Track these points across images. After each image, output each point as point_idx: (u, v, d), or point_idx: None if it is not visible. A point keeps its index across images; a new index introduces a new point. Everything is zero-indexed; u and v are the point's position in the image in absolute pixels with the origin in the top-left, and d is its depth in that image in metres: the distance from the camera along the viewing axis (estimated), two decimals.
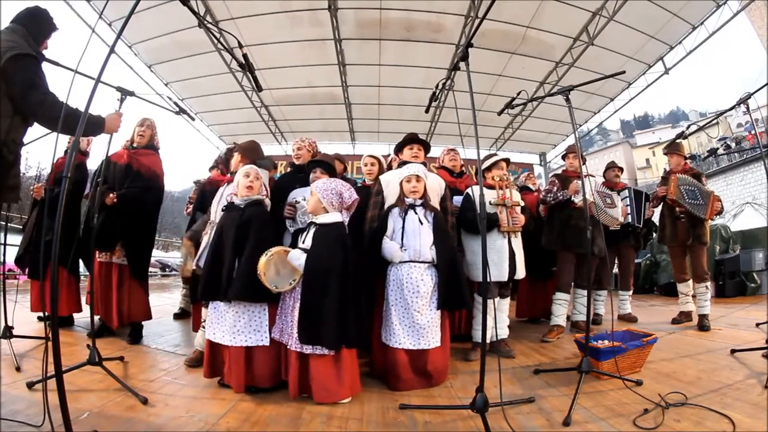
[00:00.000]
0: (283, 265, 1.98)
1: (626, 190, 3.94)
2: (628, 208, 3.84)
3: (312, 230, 2.02)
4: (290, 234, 2.58)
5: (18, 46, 1.63)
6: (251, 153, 2.63)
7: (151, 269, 3.26)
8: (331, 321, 1.86)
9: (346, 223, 2.10)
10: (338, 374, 1.90)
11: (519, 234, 2.73)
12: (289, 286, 1.96)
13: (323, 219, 2.03)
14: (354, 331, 1.93)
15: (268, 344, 2.00)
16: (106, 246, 2.90)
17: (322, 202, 2.04)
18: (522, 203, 2.73)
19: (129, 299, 2.94)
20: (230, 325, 1.98)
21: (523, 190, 4.20)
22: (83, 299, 3.30)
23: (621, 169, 4.23)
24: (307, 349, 1.88)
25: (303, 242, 2.03)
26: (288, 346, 1.95)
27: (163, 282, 9.77)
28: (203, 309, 2.32)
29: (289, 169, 3.38)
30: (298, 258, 1.95)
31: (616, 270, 4.40)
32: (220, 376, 2.07)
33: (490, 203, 2.62)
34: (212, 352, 2.05)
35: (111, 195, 2.85)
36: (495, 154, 2.90)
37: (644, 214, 4.03)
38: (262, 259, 1.90)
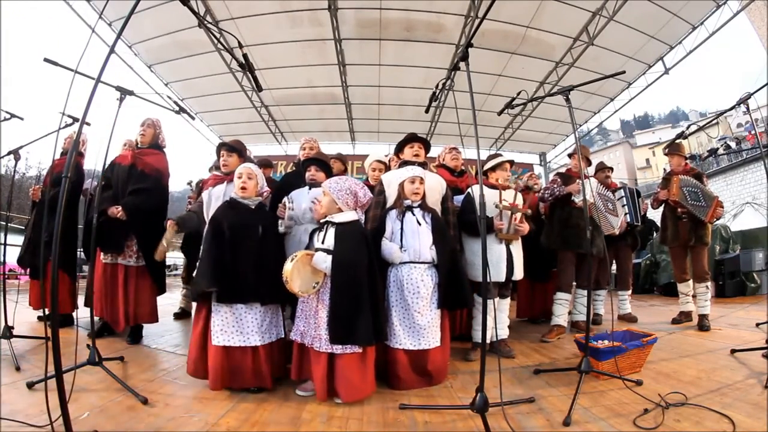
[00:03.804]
0: (305, 269, 1.93)
1: (621, 190, 3.94)
2: (627, 215, 3.82)
3: (331, 230, 2.00)
4: (290, 235, 2.58)
5: None
6: (243, 151, 2.65)
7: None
8: (364, 318, 1.88)
9: (362, 221, 2.12)
10: (364, 371, 1.93)
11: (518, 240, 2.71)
12: (313, 289, 1.93)
13: (341, 218, 2.02)
14: (381, 325, 1.99)
15: (283, 336, 2.12)
16: (114, 247, 2.88)
17: (337, 202, 2.03)
18: (529, 211, 2.68)
19: (135, 300, 2.92)
20: (257, 325, 2.00)
21: (526, 190, 4.19)
22: (80, 299, 3.28)
23: (611, 169, 4.23)
24: (338, 349, 1.88)
25: (322, 242, 2.00)
26: (317, 349, 1.90)
27: None
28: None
29: (293, 168, 3.38)
30: (324, 260, 1.92)
31: (614, 270, 4.40)
32: (234, 384, 1.99)
33: (496, 206, 2.55)
34: (226, 359, 1.96)
35: (114, 209, 2.83)
36: (499, 155, 2.88)
37: (640, 211, 4.06)
38: (288, 265, 1.86)
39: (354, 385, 1.88)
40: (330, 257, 1.92)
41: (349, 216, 2.04)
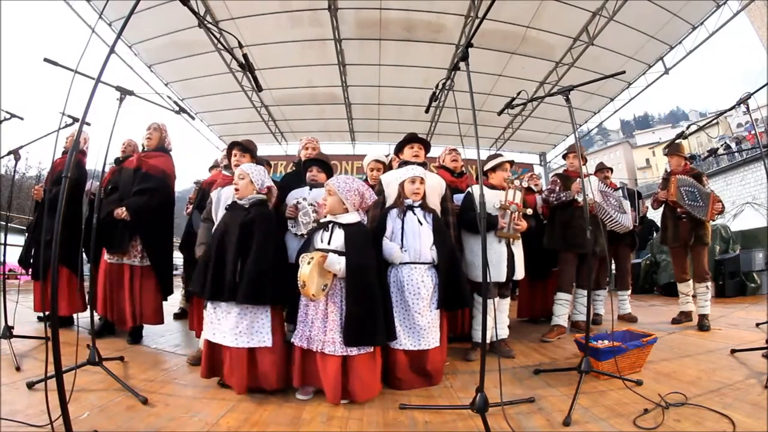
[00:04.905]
0: (318, 271, 1.89)
1: (620, 190, 3.95)
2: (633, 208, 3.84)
3: (338, 231, 1.98)
4: (292, 235, 2.58)
5: None
6: (256, 151, 2.66)
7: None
8: (379, 318, 1.91)
9: (365, 222, 2.12)
10: (374, 370, 1.96)
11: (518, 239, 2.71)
12: (322, 292, 1.90)
13: (348, 219, 2.01)
14: (391, 323, 2.03)
15: (270, 345, 1.97)
16: (119, 247, 2.89)
17: (345, 203, 2.02)
18: (530, 211, 2.69)
19: (140, 301, 2.94)
20: (232, 326, 1.95)
21: (527, 190, 4.18)
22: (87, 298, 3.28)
23: (611, 170, 4.24)
24: (353, 350, 1.87)
25: (327, 243, 1.97)
26: (328, 353, 1.87)
27: None
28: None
29: (292, 168, 3.38)
30: (338, 262, 1.89)
31: (613, 270, 4.40)
32: (219, 377, 2.05)
33: (495, 207, 2.56)
34: (211, 352, 2.02)
35: (119, 211, 2.86)
36: (500, 155, 2.88)
37: (639, 212, 4.05)
38: (306, 269, 1.79)
39: (367, 384, 1.90)
40: (343, 259, 1.90)
41: (354, 217, 2.03)
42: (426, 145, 2.63)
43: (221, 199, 2.39)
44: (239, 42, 2.18)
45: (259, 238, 2.00)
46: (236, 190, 2.14)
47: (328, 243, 1.97)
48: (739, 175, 17.70)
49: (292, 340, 2.00)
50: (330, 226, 2.02)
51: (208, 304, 2.06)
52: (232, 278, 1.93)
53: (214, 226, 2.26)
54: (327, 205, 2.06)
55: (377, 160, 3.23)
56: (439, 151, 3.63)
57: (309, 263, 1.81)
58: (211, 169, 4.37)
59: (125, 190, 2.97)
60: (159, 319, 3.06)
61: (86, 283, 3.40)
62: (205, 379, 2.07)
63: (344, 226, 1.99)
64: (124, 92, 2.16)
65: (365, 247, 1.98)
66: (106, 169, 2.84)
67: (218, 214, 2.43)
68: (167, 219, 3.15)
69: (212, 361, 2.03)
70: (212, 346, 2.01)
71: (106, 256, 2.93)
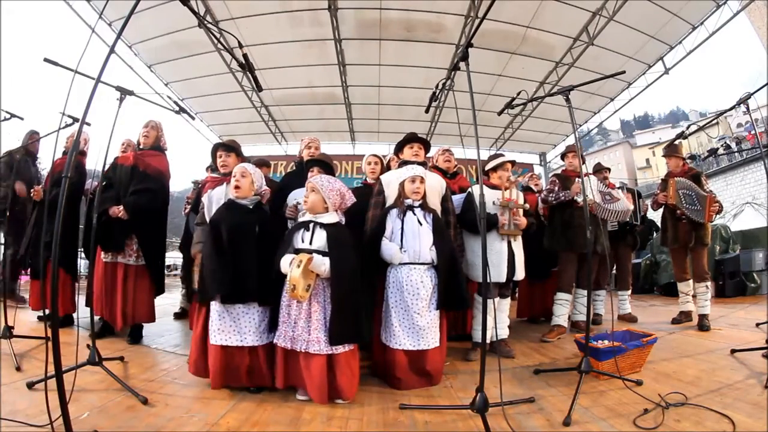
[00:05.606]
0: (303, 272, 1.87)
1: (619, 190, 3.95)
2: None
3: (320, 231, 1.98)
4: None
5: None
6: (240, 149, 2.65)
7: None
8: (363, 316, 1.95)
9: (342, 222, 2.11)
10: (356, 365, 2.00)
11: (519, 235, 2.73)
12: (306, 292, 1.88)
13: (328, 219, 2.01)
14: (372, 321, 2.10)
15: None
16: (115, 246, 2.88)
17: (326, 201, 2.02)
18: (527, 206, 2.70)
19: (134, 300, 2.93)
20: (256, 325, 1.98)
21: (526, 190, 4.19)
22: (82, 299, 3.27)
23: (608, 170, 4.25)
24: (338, 349, 1.89)
25: (309, 243, 1.96)
26: (314, 352, 1.87)
27: None
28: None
29: (293, 168, 3.38)
30: (323, 263, 1.89)
31: (614, 270, 4.41)
32: (233, 383, 2.00)
33: (494, 203, 2.59)
34: (226, 359, 1.95)
35: (116, 209, 2.83)
36: (501, 155, 2.88)
37: (640, 211, 4.05)
38: (296, 272, 1.78)
39: (354, 381, 1.94)
40: (327, 260, 1.90)
41: (334, 217, 2.04)
42: (426, 145, 2.63)
43: (213, 201, 2.33)
44: (239, 42, 2.17)
45: (274, 238, 2.06)
46: (237, 188, 2.11)
47: (310, 243, 1.96)
48: (739, 175, 17.73)
49: (275, 341, 1.97)
50: (311, 225, 2.00)
51: (221, 308, 1.97)
52: (256, 280, 1.95)
53: (209, 228, 2.16)
54: (308, 202, 2.05)
55: (374, 154, 3.23)
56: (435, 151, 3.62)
57: (299, 266, 1.80)
58: (208, 169, 4.37)
59: (122, 188, 2.94)
60: (152, 318, 3.06)
61: (80, 283, 3.40)
62: (199, 378, 2.06)
63: (326, 227, 1.99)
64: (124, 92, 2.16)
65: (348, 247, 1.99)
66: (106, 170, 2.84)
67: (208, 210, 2.40)
68: (162, 219, 3.16)
69: (226, 368, 1.96)
70: (227, 352, 1.95)
71: (102, 256, 2.91)
